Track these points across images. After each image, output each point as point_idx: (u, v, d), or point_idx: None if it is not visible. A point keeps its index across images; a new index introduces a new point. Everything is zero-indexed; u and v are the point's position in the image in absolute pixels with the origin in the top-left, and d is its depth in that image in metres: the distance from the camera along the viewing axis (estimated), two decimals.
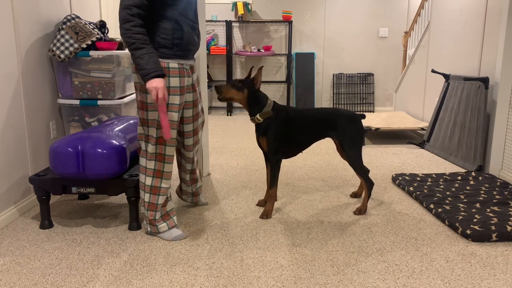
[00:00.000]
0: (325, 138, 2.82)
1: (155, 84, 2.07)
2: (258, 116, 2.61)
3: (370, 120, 5.06)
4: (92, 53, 3.05)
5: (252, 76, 2.64)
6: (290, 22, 6.60)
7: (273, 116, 2.61)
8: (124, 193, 2.62)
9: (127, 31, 2.05)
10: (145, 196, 2.35)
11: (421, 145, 4.56)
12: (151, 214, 2.36)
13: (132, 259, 2.17)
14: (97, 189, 2.44)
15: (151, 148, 2.29)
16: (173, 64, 2.23)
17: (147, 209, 2.36)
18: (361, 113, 2.80)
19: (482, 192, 3.04)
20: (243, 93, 2.60)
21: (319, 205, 2.92)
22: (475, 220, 2.53)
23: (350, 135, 2.68)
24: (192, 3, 2.32)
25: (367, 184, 2.75)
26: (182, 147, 2.60)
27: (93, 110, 3.20)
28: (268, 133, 2.61)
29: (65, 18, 3.09)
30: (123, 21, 2.06)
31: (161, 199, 2.35)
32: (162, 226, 2.38)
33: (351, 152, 2.69)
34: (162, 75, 2.09)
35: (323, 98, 7.13)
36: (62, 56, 2.99)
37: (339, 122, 2.69)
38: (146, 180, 2.33)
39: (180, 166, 2.71)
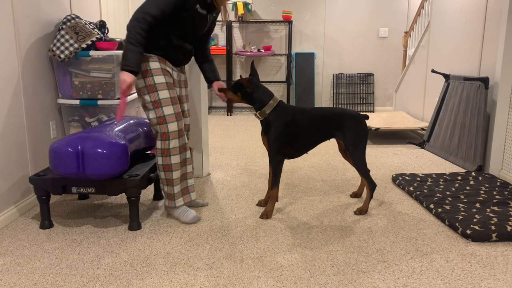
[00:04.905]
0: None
1: (125, 77, 2.27)
2: (257, 113, 2.62)
3: (370, 120, 5.06)
4: (92, 53, 3.05)
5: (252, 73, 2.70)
6: (290, 22, 6.60)
7: (275, 116, 2.60)
8: (124, 193, 2.62)
9: (133, 27, 2.27)
10: (161, 174, 2.54)
11: (421, 145, 4.56)
12: (169, 189, 2.55)
13: (132, 259, 2.17)
14: (97, 189, 2.44)
15: (156, 129, 2.46)
16: (151, 54, 2.42)
17: (166, 184, 2.55)
18: (365, 113, 2.80)
19: (482, 192, 3.04)
20: (237, 96, 2.67)
21: (319, 205, 2.92)
22: (475, 220, 2.53)
23: (356, 136, 2.67)
24: (194, 35, 2.48)
25: (370, 185, 2.75)
26: None
27: (93, 110, 3.20)
28: (270, 132, 2.61)
29: (65, 18, 3.09)
30: (135, 18, 2.27)
31: (175, 174, 2.52)
32: (179, 200, 2.58)
33: (355, 152, 2.68)
34: (135, 73, 2.29)
35: (323, 98, 7.12)
36: (62, 56, 2.99)
37: (345, 122, 2.68)
38: (158, 160, 2.51)
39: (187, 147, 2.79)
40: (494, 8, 3.68)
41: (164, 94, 2.41)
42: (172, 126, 2.44)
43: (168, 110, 2.42)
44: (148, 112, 2.45)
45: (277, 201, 2.82)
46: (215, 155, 4.23)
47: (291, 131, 2.62)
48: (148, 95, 2.40)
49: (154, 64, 2.39)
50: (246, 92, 2.63)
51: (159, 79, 2.40)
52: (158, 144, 2.48)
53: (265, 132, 2.64)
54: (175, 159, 2.49)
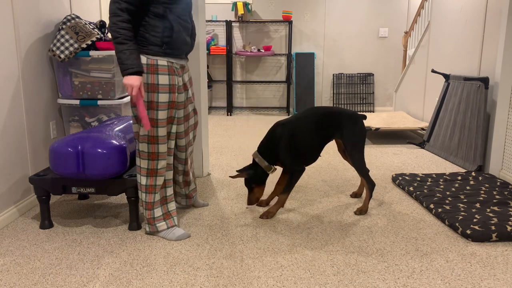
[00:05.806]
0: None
1: (131, 81, 2.11)
2: (268, 172, 2.64)
3: (370, 120, 5.06)
4: (92, 53, 3.05)
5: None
6: (290, 22, 6.60)
7: (275, 142, 2.62)
8: (124, 193, 2.62)
9: (114, 25, 2.10)
10: (142, 196, 2.37)
11: (421, 145, 4.56)
12: (149, 213, 2.38)
13: (132, 259, 2.17)
14: (97, 189, 2.44)
15: (143, 147, 2.31)
16: (162, 61, 2.24)
17: (145, 208, 2.38)
18: (362, 113, 2.79)
19: (482, 192, 3.04)
20: (257, 185, 2.68)
21: (319, 205, 2.92)
22: (475, 220, 2.53)
23: (354, 135, 2.67)
24: (186, 4, 2.32)
25: (369, 185, 2.75)
26: (175, 147, 2.60)
27: (93, 110, 3.20)
28: (278, 152, 2.61)
29: (65, 18, 3.09)
30: (111, 14, 2.11)
31: (157, 197, 2.37)
32: (161, 225, 2.40)
33: (354, 152, 2.68)
34: (139, 72, 2.13)
35: (323, 98, 7.12)
36: (62, 56, 2.99)
37: (344, 122, 2.68)
38: (142, 180, 2.34)
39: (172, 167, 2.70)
40: (494, 8, 3.68)
41: (163, 114, 2.26)
42: (163, 147, 2.32)
43: (162, 131, 2.29)
44: (138, 126, 2.30)
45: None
46: (215, 155, 4.23)
47: (296, 144, 2.60)
48: (147, 110, 2.25)
49: (163, 79, 2.23)
50: (253, 179, 2.66)
51: (163, 97, 2.24)
52: (144, 163, 2.30)
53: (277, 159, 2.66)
54: (160, 180, 2.35)
